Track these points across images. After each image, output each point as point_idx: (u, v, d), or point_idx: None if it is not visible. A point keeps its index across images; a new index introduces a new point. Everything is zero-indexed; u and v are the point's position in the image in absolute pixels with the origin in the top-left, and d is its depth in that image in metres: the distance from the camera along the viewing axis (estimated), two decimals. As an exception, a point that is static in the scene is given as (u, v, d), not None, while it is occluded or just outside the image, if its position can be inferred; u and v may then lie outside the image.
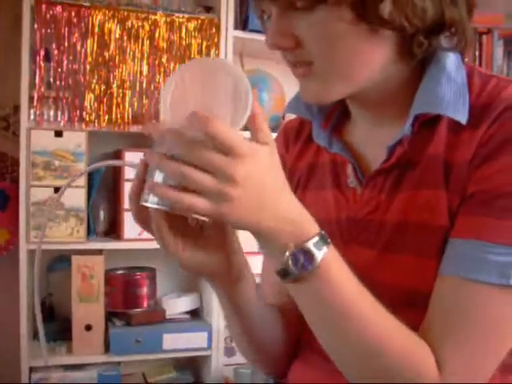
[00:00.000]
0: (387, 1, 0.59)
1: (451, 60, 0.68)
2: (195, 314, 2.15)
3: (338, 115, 0.79)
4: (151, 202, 0.57)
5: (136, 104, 1.89)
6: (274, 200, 0.57)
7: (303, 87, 0.68)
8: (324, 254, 0.58)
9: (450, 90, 0.65)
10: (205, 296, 2.13)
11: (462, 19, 0.65)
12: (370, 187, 0.72)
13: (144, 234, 1.87)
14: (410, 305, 0.62)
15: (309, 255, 0.57)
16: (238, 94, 0.56)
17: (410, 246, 0.67)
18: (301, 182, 0.82)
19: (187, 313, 2.13)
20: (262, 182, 0.56)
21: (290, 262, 0.57)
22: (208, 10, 2.00)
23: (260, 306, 0.76)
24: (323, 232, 0.59)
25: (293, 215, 0.59)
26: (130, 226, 1.88)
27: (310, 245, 0.57)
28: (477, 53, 2.42)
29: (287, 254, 0.57)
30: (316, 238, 0.58)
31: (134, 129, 1.90)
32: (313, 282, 0.58)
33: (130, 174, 1.86)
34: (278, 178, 0.58)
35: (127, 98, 1.88)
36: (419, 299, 0.64)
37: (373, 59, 0.64)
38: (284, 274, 0.59)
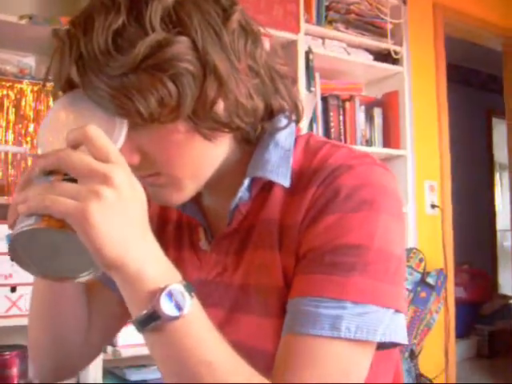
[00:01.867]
0: (218, 107, 0.62)
1: (282, 130, 0.72)
2: (71, 391, 2.03)
3: None
4: (17, 229, 0.52)
5: (1, 174, 1.82)
6: (143, 228, 0.55)
7: (155, 193, 0.69)
8: (192, 300, 0.56)
9: (275, 155, 0.70)
10: (81, 373, 2.03)
11: (287, 102, 0.71)
12: (217, 250, 0.75)
13: (12, 311, 1.78)
14: (259, 364, 0.61)
15: (180, 298, 0.55)
16: (112, 121, 0.58)
17: (252, 306, 0.69)
18: (167, 237, 0.83)
19: (62, 391, 2.01)
20: (135, 197, 0.54)
21: (162, 303, 0.53)
22: (77, 78, 2.00)
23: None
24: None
25: (159, 254, 0.57)
26: (-3, 302, 1.77)
27: (181, 287, 0.55)
28: (341, 118, 2.60)
29: (158, 294, 0.54)
30: (184, 282, 0.56)
31: (-1, 200, 1.82)
32: (179, 328, 0.55)
33: None
34: (144, 208, 0.56)
35: (-9, 168, 1.81)
36: (264, 358, 0.65)
37: (216, 155, 0.68)
38: (149, 319, 0.54)
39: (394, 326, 0.64)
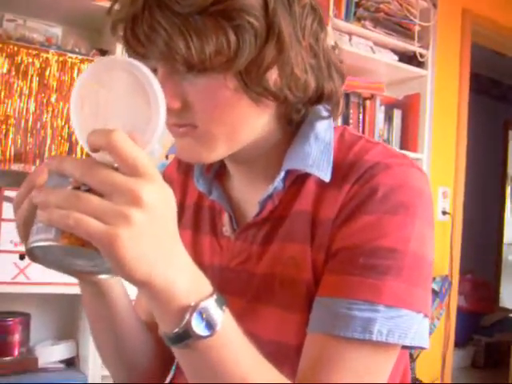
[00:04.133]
0: (272, 73, 0.62)
1: (322, 121, 0.72)
2: (71, 363, 2.05)
3: (220, 161, 0.79)
4: (35, 240, 0.49)
5: (20, 141, 1.82)
6: (172, 245, 0.51)
7: (182, 146, 0.67)
8: (224, 314, 0.53)
9: (316, 148, 0.69)
10: (81, 344, 2.04)
11: (336, 92, 0.70)
12: (242, 238, 0.74)
13: (19, 278, 1.79)
14: (277, 357, 0.60)
15: (211, 315, 0.52)
16: (147, 98, 0.50)
17: (275, 299, 0.68)
18: (184, 220, 0.82)
19: (62, 362, 2.02)
20: (166, 215, 0.49)
21: (193, 323, 0.50)
22: (103, 53, 1.99)
23: (133, 314, 0.76)
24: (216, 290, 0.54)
25: (190, 267, 0.53)
26: (3, 268, 1.78)
27: (213, 302, 0.52)
28: (360, 116, 2.59)
29: (189, 314, 0.50)
30: (215, 296, 0.53)
31: (16, 167, 1.82)
32: (212, 345, 0.53)
33: (8, 213, 1.77)
34: (175, 221, 0.52)
35: (10, 135, 1.80)
36: (283, 351, 0.65)
37: (256, 125, 0.67)
38: (180, 337, 0.51)
39: (421, 330, 0.63)
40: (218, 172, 0.80)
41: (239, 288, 0.72)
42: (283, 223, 0.70)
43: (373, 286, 0.61)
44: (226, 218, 0.77)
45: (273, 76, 0.62)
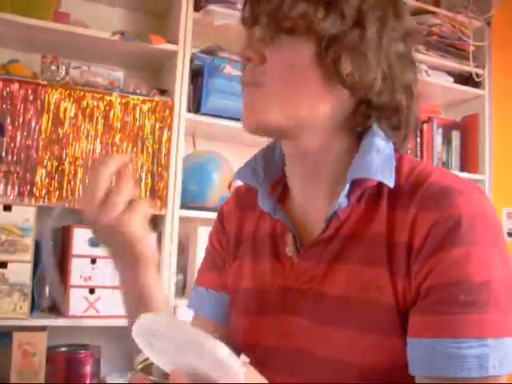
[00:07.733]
0: (347, 61, 0.68)
1: (381, 139, 0.73)
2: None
3: (283, 185, 0.82)
4: None
5: (87, 181, 1.91)
6: None
7: (245, 108, 0.73)
8: None
9: (378, 158, 0.70)
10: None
11: (409, 109, 0.73)
12: (307, 257, 0.74)
13: (89, 312, 1.86)
14: (335, 375, 0.62)
15: None
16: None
17: (349, 320, 0.68)
18: (242, 251, 0.84)
19: (130, 393, 2.07)
20: None
21: None
22: (162, 92, 2.08)
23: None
24: None
25: None
26: (76, 303, 1.86)
27: None
28: (418, 140, 2.57)
29: None
30: None
31: (85, 205, 1.91)
32: None
33: (78, 249, 1.87)
34: None
35: (79, 175, 1.90)
36: (342, 370, 0.65)
37: (316, 106, 0.70)
38: None
39: None
40: (281, 196, 0.82)
41: (304, 307, 0.72)
42: (357, 244, 0.70)
43: (477, 321, 0.61)
44: (289, 238, 0.77)
45: (347, 64, 0.68)
